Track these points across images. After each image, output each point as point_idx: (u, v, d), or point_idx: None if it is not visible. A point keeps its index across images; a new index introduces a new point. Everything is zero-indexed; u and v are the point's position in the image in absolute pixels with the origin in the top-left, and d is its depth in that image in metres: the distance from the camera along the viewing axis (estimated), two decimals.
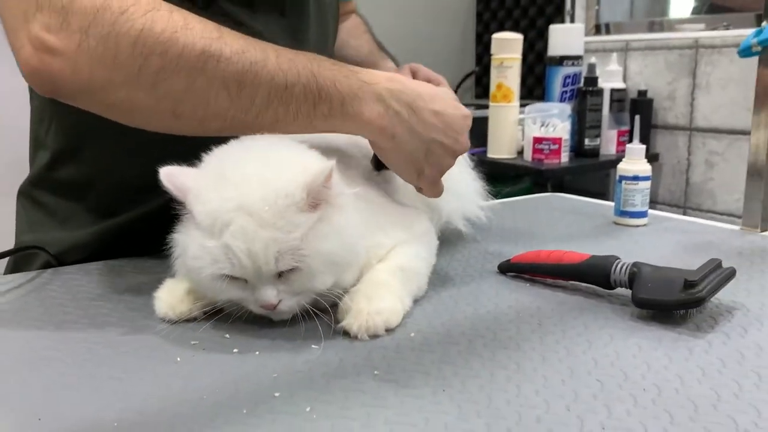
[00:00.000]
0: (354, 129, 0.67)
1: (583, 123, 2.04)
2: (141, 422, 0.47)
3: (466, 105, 0.81)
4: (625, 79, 2.20)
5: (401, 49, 1.24)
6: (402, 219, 0.73)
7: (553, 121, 1.95)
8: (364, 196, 0.66)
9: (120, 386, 0.52)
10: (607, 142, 2.08)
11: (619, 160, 1.06)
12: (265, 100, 0.62)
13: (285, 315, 0.60)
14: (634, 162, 1.04)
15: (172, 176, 0.59)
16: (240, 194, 0.56)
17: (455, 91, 2.76)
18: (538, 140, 1.95)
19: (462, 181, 0.89)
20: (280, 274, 0.57)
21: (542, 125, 1.96)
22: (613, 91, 2.12)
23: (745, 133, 1.93)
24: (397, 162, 0.71)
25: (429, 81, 0.78)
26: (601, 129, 2.07)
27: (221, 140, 0.66)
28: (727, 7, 2.22)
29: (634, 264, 0.69)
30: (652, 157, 2.15)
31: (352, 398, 0.50)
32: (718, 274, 0.65)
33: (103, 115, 0.63)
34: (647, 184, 1.02)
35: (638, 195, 1.01)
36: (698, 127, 2.06)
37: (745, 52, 1.01)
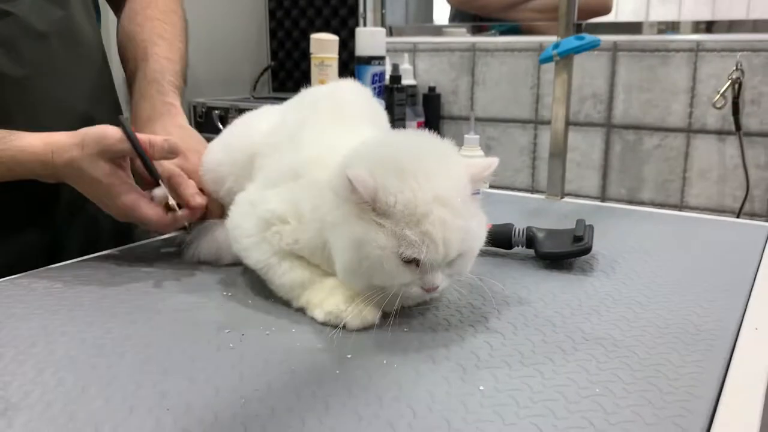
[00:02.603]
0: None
1: (392, 116, 2.28)
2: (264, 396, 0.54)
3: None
4: (415, 77, 2.47)
5: (198, 48, 1.20)
6: None
7: None
8: None
9: (241, 367, 0.58)
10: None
11: None
12: None
13: (436, 295, 0.68)
14: (470, 150, 1.26)
15: (361, 177, 0.61)
16: (432, 186, 0.62)
17: (254, 87, 2.86)
18: None
19: None
20: None
21: None
22: (407, 87, 2.38)
23: (515, 121, 2.31)
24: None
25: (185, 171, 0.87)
26: (405, 121, 2.31)
27: None
28: (473, 15, 2.59)
29: (528, 228, 0.90)
30: None
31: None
32: (590, 229, 0.88)
33: None
34: None
35: None
36: (478, 117, 2.40)
37: (546, 60, 1.29)
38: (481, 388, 0.56)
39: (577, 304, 0.74)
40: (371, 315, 0.67)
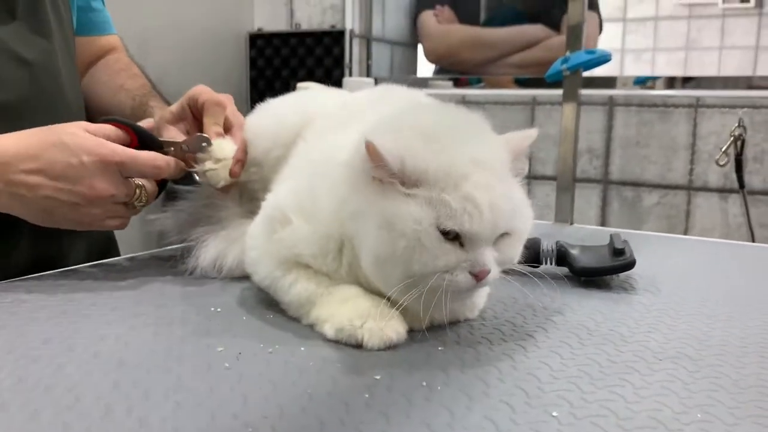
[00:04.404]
0: None
1: None
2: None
3: None
4: None
5: (176, 98, 1.14)
6: None
7: None
8: None
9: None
10: None
11: None
12: None
13: (483, 285, 0.55)
14: None
15: (385, 144, 0.51)
16: (469, 150, 0.53)
17: None
18: None
19: None
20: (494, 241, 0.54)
21: None
22: None
23: None
24: (41, 222, 0.72)
25: (214, 102, 0.79)
26: None
27: None
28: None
29: (558, 243, 0.79)
30: None
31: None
32: (628, 244, 0.78)
33: None
34: None
35: None
36: None
37: (554, 76, 1.21)
38: (555, 414, 0.44)
39: (633, 321, 0.63)
40: (394, 332, 0.55)
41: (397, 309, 0.55)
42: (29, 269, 0.78)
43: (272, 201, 0.65)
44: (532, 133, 0.59)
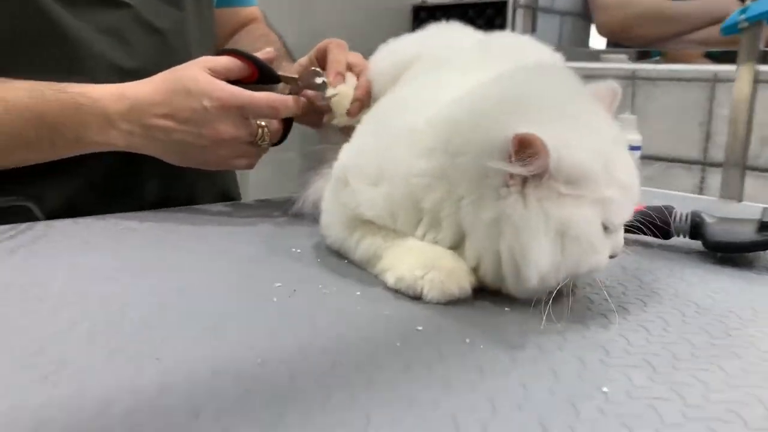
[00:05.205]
0: (106, 148, 0.73)
1: None
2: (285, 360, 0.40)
3: None
4: None
5: None
6: None
7: None
8: None
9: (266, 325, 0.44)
10: None
11: None
12: (10, 150, 0.71)
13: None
14: (625, 132, 1.04)
15: (537, 138, 0.43)
16: (604, 126, 0.49)
17: None
18: None
19: None
20: None
21: None
22: None
23: (679, 161, 1.99)
24: (178, 162, 0.76)
25: (337, 44, 0.76)
26: None
27: None
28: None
29: (694, 213, 0.68)
30: None
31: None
32: None
33: None
34: (637, 154, 1.03)
35: None
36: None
37: (730, 29, 1.04)
38: (605, 389, 0.37)
39: (763, 305, 0.52)
40: (456, 286, 0.49)
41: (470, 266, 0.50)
42: (156, 206, 0.83)
43: (338, 160, 0.62)
44: (616, 90, 0.54)
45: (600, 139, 0.48)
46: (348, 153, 0.61)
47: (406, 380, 0.38)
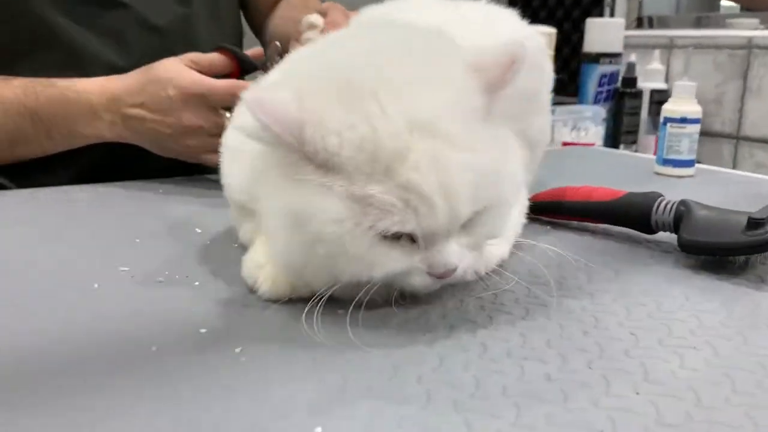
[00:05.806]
0: (98, 140, 0.74)
1: (619, 127, 1.85)
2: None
3: None
4: (667, 80, 1.97)
5: None
6: None
7: (586, 124, 1.78)
8: None
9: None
10: (645, 148, 1.88)
11: None
12: (12, 146, 0.72)
13: (455, 281, 0.42)
14: (683, 102, 0.89)
15: (267, 105, 0.36)
16: (406, 108, 0.37)
17: None
18: (567, 145, 1.77)
19: None
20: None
21: (573, 128, 1.79)
22: (653, 92, 1.89)
23: None
24: (157, 151, 0.76)
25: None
26: (638, 134, 1.88)
27: None
28: None
29: (682, 202, 0.55)
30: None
31: None
32: None
33: None
34: (696, 128, 0.88)
35: (685, 140, 0.87)
36: (746, 136, 1.83)
37: None
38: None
39: (725, 316, 0.41)
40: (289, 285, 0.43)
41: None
42: (162, 173, 0.82)
43: None
44: (516, 53, 0.40)
45: (384, 123, 0.36)
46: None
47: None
